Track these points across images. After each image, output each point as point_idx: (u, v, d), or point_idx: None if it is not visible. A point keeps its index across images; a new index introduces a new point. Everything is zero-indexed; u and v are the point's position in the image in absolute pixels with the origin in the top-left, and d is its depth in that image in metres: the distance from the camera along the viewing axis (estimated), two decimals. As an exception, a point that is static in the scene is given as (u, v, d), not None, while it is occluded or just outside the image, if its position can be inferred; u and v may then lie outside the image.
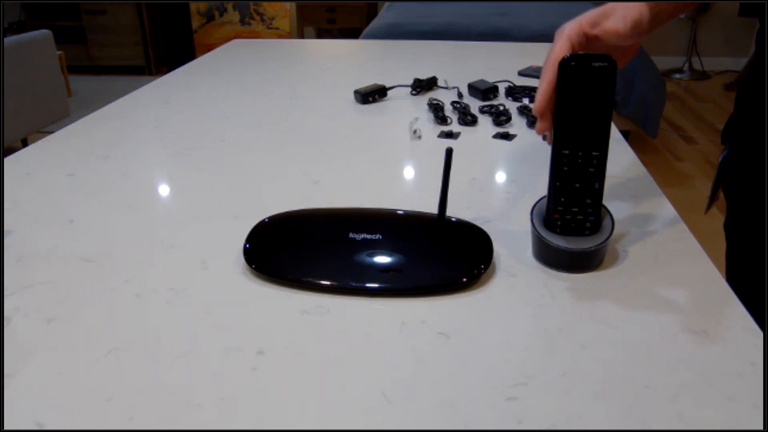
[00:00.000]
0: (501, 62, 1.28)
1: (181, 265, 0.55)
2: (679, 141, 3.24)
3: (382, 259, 0.52)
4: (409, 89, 1.07)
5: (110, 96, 1.16)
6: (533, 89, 1.03)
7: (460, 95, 1.04)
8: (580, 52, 0.51)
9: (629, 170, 0.73)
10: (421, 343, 0.44)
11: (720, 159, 0.76)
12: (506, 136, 0.85)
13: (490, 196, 0.68)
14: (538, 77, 0.65)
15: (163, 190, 0.71)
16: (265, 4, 4.60)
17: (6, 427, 0.37)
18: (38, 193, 0.69)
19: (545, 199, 0.54)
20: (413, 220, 0.59)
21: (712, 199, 0.79)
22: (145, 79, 2.04)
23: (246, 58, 1.35)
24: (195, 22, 4.64)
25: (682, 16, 0.56)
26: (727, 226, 0.77)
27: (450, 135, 0.86)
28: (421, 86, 1.07)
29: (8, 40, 2.27)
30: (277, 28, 4.63)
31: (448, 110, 0.96)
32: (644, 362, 0.42)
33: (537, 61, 1.22)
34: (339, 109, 0.99)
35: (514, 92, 1.03)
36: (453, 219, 0.58)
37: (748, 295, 0.49)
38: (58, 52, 2.61)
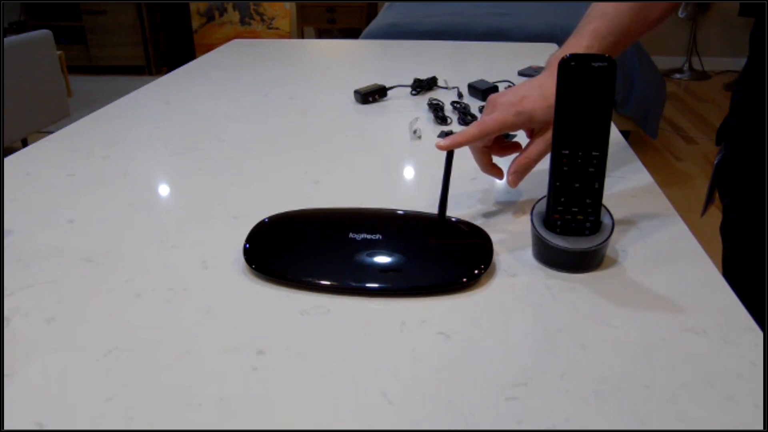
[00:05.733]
0: (501, 62, 1.28)
1: (181, 265, 0.55)
2: (679, 141, 3.24)
3: (382, 259, 0.52)
4: (409, 89, 1.07)
5: (110, 96, 1.15)
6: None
7: (460, 95, 1.04)
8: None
9: (629, 170, 0.73)
10: (421, 343, 0.44)
11: (716, 161, 0.76)
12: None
13: (490, 196, 0.68)
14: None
15: (163, 189, 0.71)
16: (265, 4, 4.60)
17: (6, 427, 0.37)
18: (38, 193, 0.69)
19: (545, 199, 0.54)
20: (413, 220, 0.59)
21: (708, 201, 0.79)
22: (145, 79, 2.04)
23: (246, 58, 1.35)
24: (195, 22, 4.64)
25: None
26: (724, 228, 0.76)
27: (450, 135, 0.86)
28: (421, 86, 1.07)
29: (8, 40, 2.26)
30: (277, 28, 4.63)
31: (448, 110, 0.96)
32: (644, 362, 0.42)
33: (537, 61, 1.21)
34: (339, 109, 0.99)
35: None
36: (453, 219, 0.58)
37: (745, 298, 0.49)
38: (58, 52, 2.60)
